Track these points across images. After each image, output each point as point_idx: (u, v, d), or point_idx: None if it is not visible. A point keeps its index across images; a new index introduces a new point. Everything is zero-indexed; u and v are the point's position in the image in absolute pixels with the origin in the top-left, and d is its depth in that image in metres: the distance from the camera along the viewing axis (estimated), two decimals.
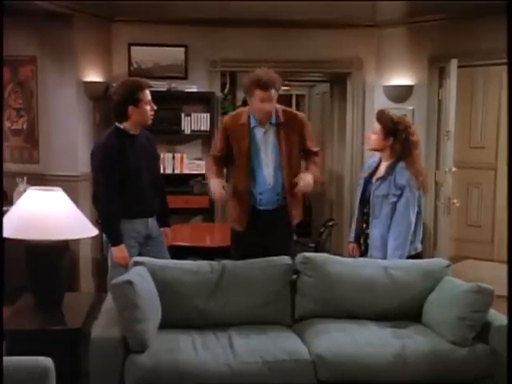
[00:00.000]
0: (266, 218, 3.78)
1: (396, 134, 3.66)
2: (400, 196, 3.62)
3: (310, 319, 3.39)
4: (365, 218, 3.82)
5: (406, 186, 3.61)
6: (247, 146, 3.71)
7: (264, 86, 3.54)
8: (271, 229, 3.77)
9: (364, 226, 3.83)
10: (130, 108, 3.58)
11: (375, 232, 3.71)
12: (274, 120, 3.73)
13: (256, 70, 3.65)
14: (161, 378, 2.87)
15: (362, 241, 3.88)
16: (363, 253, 3.84)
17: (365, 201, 3.81)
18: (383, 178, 3.69)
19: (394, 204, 3.63)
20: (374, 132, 3.74)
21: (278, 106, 3.78)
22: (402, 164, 3.66)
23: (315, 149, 3.86)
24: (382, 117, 3.72)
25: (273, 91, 3.57)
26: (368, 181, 3.82)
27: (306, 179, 3.62)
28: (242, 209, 3.80)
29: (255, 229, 3.78)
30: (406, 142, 3.66)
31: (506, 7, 3.53)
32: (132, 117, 3.61)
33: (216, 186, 3.66)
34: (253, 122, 3.73)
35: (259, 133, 3.74)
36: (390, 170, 3.68)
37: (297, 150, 3.78)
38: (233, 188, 3.84)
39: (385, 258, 3.64)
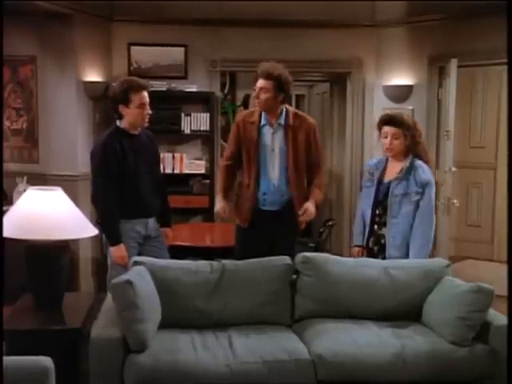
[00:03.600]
0: (270, 219, 3.79)
1: (410, 132, 3.67)
2: (422, 194, 3.63)
3: (309, 319, 3.38)
4: (376, 219, 3.77)
5: (429, 181, 3.64)
6: (254, 144, 3.73)
7: (262, 75, 3.64)
8: (275, 230, 3.78)
9: (376, 227, 3.78)
10: (121, 107, 3.58)
11: (394, 232, 3.67)
12: (283, 121, 3.75)
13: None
14: (161, 377, 2.87)
15: (371, 243, 3.82)
16: (376, 255, 3.76)
17: (377, 202, 3.76)
18: (401, 178, 3.65)
19: (417, 202, 3.63)
20: (394, 137, 3.66)
21: (291, 108, 3.85)
22: (418, 161, 3.68)
23: (320, 164, 3.87)
24: (402, 120, 3.67)
25: (270, 83, 3.62)
26: (379, 182, 3.77)
27: (309, 211, 3.71)
28: (245, 206, 3.82)
29: (259, 228, 3.79)
30: (416, 133, 3.69)
31: (506, 7, 3.53)
32: (125, 116, 3.61)
33: (219, 207, 3.84)
34: (263, 121, 3.75)
35: (268, 132, 3.77)
36: (408, 168, 3.66)
37: (304, 153, 3.78)
38: (242, 185, 3.89)
39: (404, 257, 3.64)
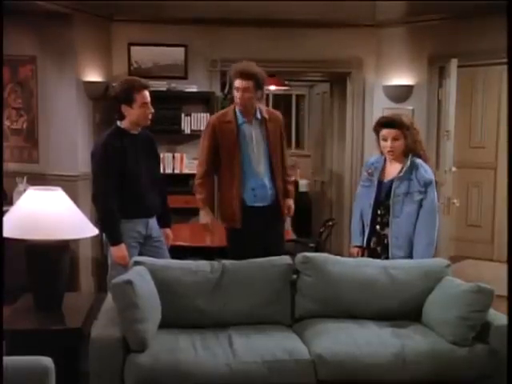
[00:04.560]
0: (261, 215, 3.81)
1: (410, 132, 3.67)
2: (425, 193, 3.63)
3: (309, 319, 3.39)
4: (378, 219, 3.76)
5: (431, 180, 3.64)
6: (236, 143, 3.76)
7: (241, 75, 3.69)
8: (267, 226, 3.81)
9: (378, 227, 3.77)
10: (123, 107, 3.58)
11: (397, 232, 3.66)
12: (259, 115, 3.83)
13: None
14: (161, 377, 2.87)
15: (372, 243, 3.80)
16: (380, 255, 3.75)
17: (378, 202, 3.74)
18: (403, 177, 3.64)
19: (419, 202, 3.63)
20: (394, 139, 3.63)
21: (262, 105, 3.93)
22: (418, 160, 3.68)
23: (287, 159, 4.04)
24: (401, 121, 3.64)
25: (250, 82, 3.68)
26: (379, 182, 3.75)
27: (292, 208, 4.04)
28: (233, 207, 3.83)
29: (251, 227, 3.79)
30: (414, 132, 3.69)
31: (506, 7, 3.53)
32: (127, 116, 3.61)
33: (208, 220, 4.02)
34: (240, 119, 3.80)
35: (247, 129, 3.82)
36: (409, 167, 3.65)
37: (279, 146, 3.89)
38: (224, 186, 3.88)
39: (408, 256, 3.63)
